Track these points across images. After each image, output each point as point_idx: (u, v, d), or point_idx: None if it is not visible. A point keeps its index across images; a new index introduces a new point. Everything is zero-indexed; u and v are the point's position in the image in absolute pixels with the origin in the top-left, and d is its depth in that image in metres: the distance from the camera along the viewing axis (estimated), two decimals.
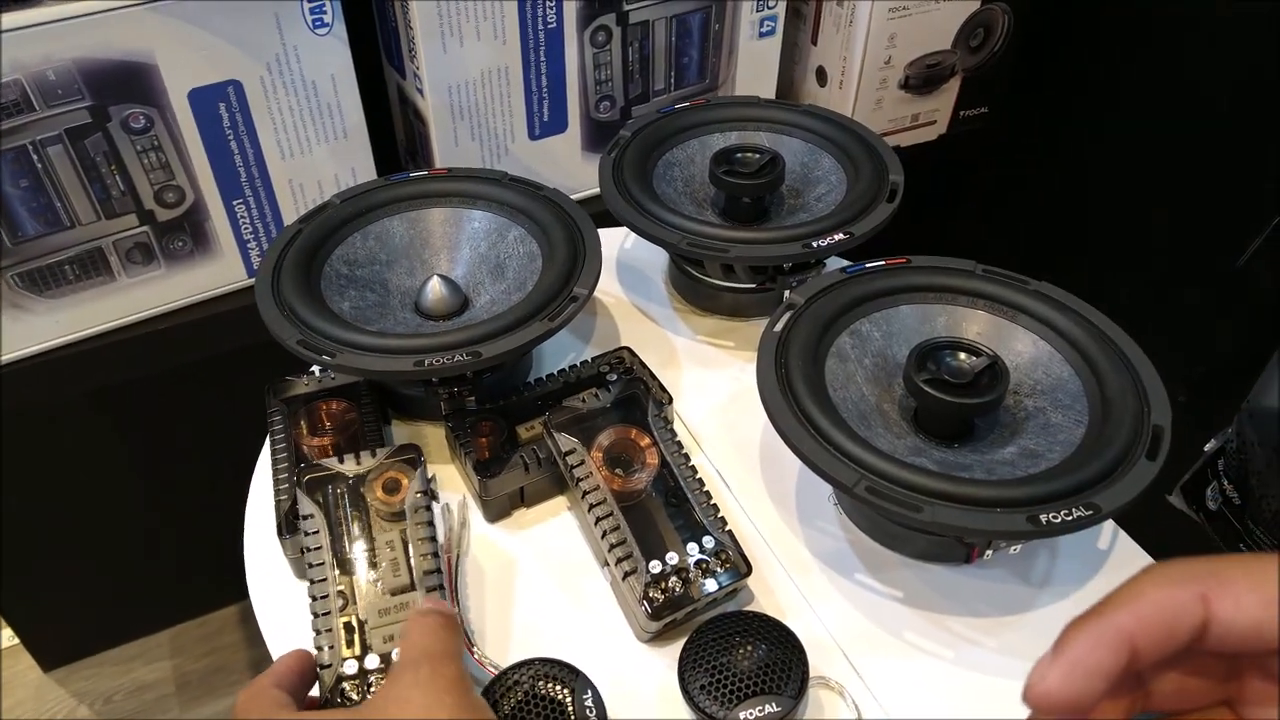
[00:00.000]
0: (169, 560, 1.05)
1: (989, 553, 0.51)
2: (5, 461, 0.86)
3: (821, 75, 1.01)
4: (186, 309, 0.83)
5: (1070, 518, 0.43)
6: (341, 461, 0.49)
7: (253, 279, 0.84)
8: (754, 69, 0.96)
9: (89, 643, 1.10)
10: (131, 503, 0.97)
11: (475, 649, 0.48)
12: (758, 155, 0.64)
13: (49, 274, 0.75)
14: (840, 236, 0.58)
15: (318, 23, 0.75)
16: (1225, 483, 0.68)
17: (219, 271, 0.83)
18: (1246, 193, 0.83)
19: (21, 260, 0.73)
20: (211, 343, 0.86)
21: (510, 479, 0.53)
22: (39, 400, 0.82)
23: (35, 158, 0.69)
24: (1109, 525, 0.55)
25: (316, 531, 0.46)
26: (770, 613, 0.49)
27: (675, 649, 0.47)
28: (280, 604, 0.51)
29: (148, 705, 1.07)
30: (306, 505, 0.47)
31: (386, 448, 0.49)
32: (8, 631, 1.11)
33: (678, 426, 0.60)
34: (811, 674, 0.46)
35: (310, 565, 0.46)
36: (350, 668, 0.43)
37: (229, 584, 1.13)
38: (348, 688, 0.42)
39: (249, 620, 1.14)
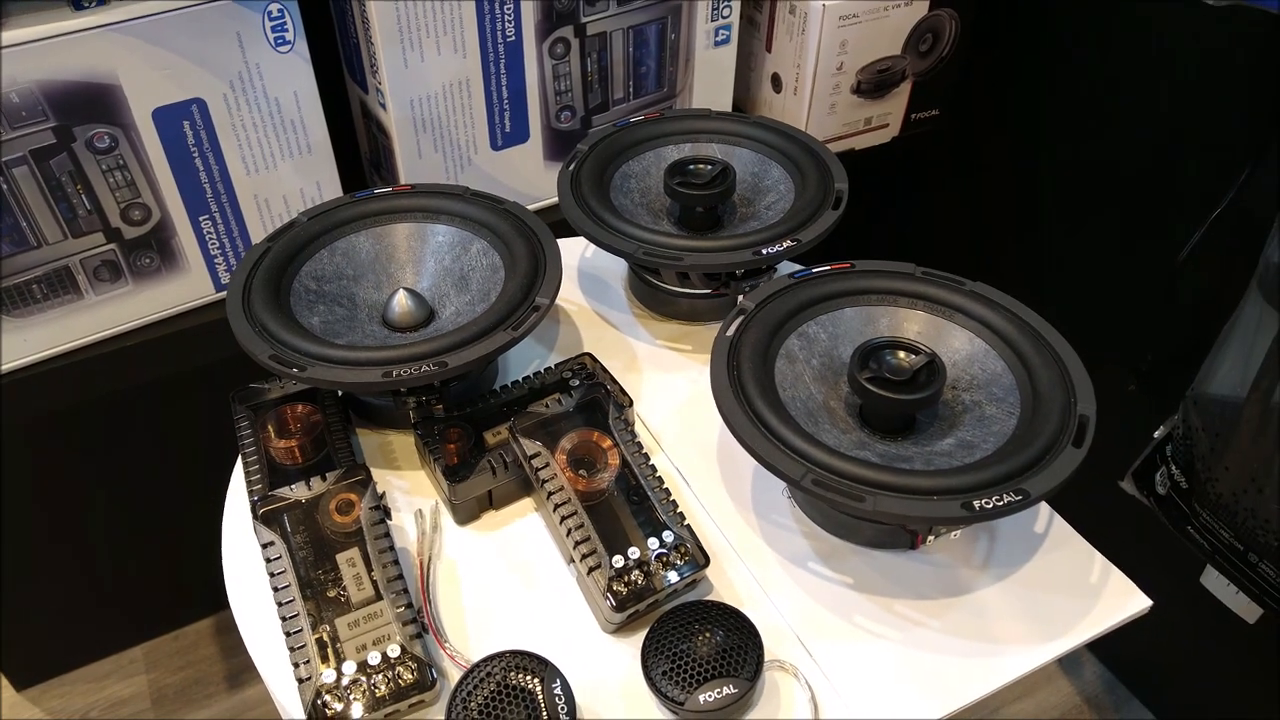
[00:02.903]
0: (141, 575, 1.05)
1: (931, 539, 0.54)
2: None
3: (776, 81, 1.04)
4: (155, 325, 0.84)
5: (1001, 503, 0.46)
6: (293, 489, 0.50)
7: (221, 293, 0.86)
8: (711, 77, 0.99)
9: (62, 660, 1.10)
10: (102, 519, 0.98)
11: (448, 644, 0.50)
12: (710, 166, 0.66)
13: (17, 294, 0.76)
14: (789, 243, 0.61)
15: (279, 40, 0.76)
16: (1173, 468, 0.71)
17: (187, 287, 0.84)
18: (1188, 189, 0.87)
19: None
20: (180, 358, 0.87)
21: (478, 483, 0.55)
22: (8, 419, 0.83)
23: (1, 179, 0.70)
24: (1044, 510, 0.58)
25: (279, 557, 0.48)
26: (728, 601, 0.51)
27: (638, 638, 0.50)
28: (259, 607, 0.53)
29: None
30: (265, 534, 0.49)
31: (336, 471, 0.51)
32: None
33: (639, 428, 0.63)
34: (767, 657, 0.49)
35: (276, 589, 0.48)
36: (329, 677, 0.45)
37: (202, 597, 1.13)
38: (329, 699, 0.44)
39: (223, 632, 1.15)
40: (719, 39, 0.97)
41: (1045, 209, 1.05)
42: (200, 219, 0.81)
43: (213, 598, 1.14)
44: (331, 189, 0.86)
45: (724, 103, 1.02)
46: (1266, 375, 0.61)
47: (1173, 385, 0.74)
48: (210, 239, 0.83)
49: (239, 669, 1.12)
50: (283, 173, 0.82)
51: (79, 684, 1.10)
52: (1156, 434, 0.74)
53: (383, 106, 0.84)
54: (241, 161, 0.80)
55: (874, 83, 1.03)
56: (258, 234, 0.84)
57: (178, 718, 1.07)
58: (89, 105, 0.71)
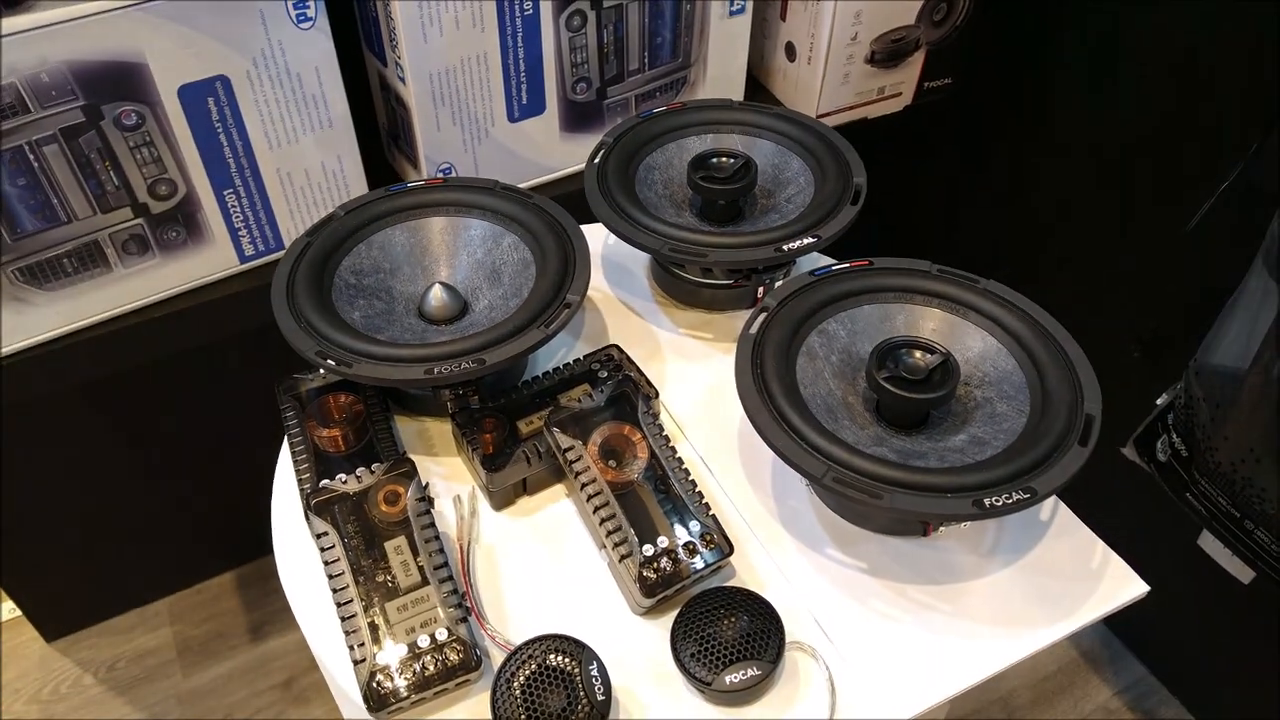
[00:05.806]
0: (165, 531, 1.09)
1: (943, 528, 0.58)
2: (8, 443, 0.89)
3: (791, 51, 1.04)
4: (181, 296, 0.86)
5: (1010, 501, 0.49)
6: (343, 481, 0.53)
7: (244, 265, 0.87)
8: (725, 47, 0.99)
9: (89, 613, 1.14)
10: (128, 479, 1.01)
11: (488, 625, 0.54)
12: (732, 160, 0.68)
13: (48, 267, 0.78)
14: (809, 240, 0.63)
15: (301, 17, 0.77)
16: (1174, 436, 0.73)
17: (212, 259, 0.85)
18: (1200, 159, 0.87)
19: (21, 255, 0.75)
20: (205, 328, 0.89)
21: (514, 471, 0.58)
22: (41, 387, 0.85)
23: (32, 157, 0.71)
24: (1049, 499, 0.61)
25: (333, 546, 0.51)
26: (751, 586, 0.55)
27: (667, 621, 0.53)
28: (306, 578, 0.56)
29: (151, 671, 1.11)
30: (319, 525, 0.52)
31: (382, 464, 0.54)
32: (9, 604, 1.14)
33: (663, 416, 0.65)
34: (788, 639, 0.52)
35: (331, 576, 0.51)
36: (382, 659, 0.48)
37: (223, 552, 1.17)
38: (381, 678, 0.48)
39: (245, 587, 1.19)
40: (734, 8, 0.97)
41: (1056, 173, 1.06)
42: (225, 193, 0.82)
43: (233, 553, 1.18)
44: (352, 162, 0.87)
45: (738, 73, 1.02)
46: (1268, 348, 0.62)
47: (1179, 353, 0.75)
48: (234, 212, 0.84)
49: (260, 622, 1.16)
50: (304, 147, 0.83)
51: (106, 636, 1.14)
52: (1159, 402, 0.75)
53: (402, 80, 0.85)
54: (264, 136, 0.81)
55: (888, 52, 1.03)
56: (281, 207, 0.86)
57: (202, 667, 1.12)
58: (116, 84, 0.71)
